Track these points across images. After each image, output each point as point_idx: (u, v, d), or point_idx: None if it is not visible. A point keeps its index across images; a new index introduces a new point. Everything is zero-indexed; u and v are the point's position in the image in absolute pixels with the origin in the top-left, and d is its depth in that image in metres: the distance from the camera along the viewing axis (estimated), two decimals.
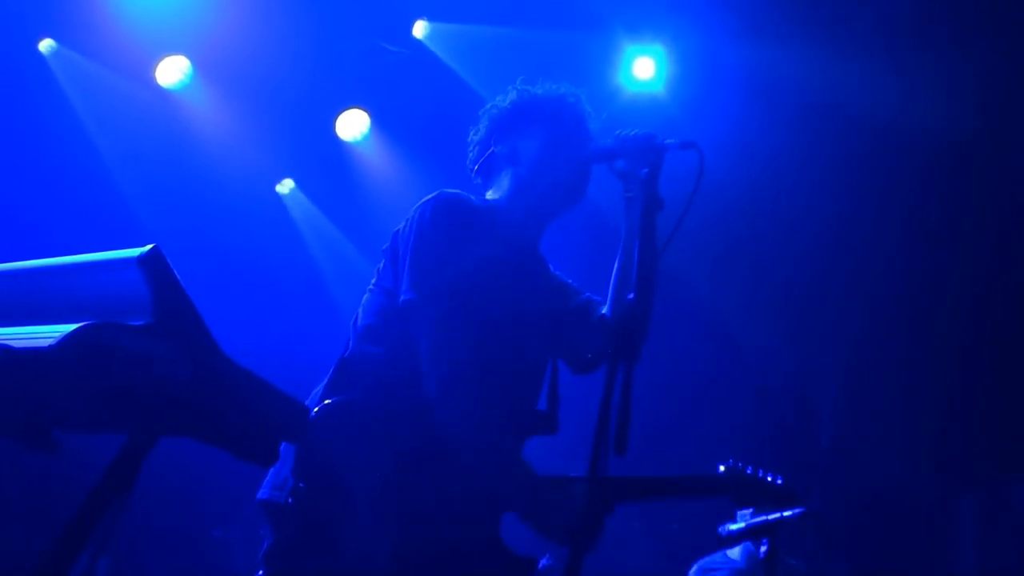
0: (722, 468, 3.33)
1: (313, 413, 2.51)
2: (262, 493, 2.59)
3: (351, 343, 2.73)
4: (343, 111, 7.23)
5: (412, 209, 2.77)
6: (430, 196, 2.79)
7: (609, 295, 2.92)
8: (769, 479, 3.36)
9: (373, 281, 2.82)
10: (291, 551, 2.51)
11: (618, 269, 2.91)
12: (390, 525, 2.44)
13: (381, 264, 2.81)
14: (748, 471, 3.34)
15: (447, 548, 2.52)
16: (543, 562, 6.04)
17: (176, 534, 7.20)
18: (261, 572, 2.61)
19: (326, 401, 2.54)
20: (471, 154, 3.08)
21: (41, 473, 5.29)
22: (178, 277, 1.65)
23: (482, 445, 2.57)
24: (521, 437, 2.74)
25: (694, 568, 5.65)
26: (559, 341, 2.92)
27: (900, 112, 6.35)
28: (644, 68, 6.62)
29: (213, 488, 6.79)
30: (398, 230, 2.79)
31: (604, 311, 2.92)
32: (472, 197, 2.89)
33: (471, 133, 3.09)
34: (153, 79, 6.66)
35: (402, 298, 2.63)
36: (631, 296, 2.47)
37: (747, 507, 3.50)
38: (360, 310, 2.80)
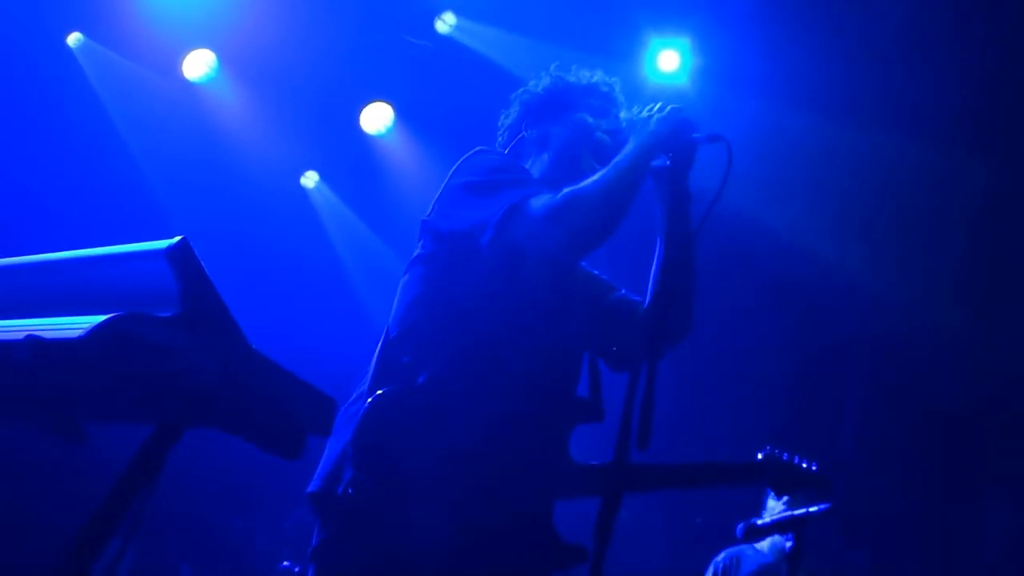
0: (760, 455, 3.33)
1: (367, 404, 2.51)
2: (313, 486, 2.57)
3: (393, 326, 2.70)
4: (367, 104, 7.24)
5: (456, 166, 2.78)
6: (474, 151, 2.81)
7: (650, 291, 2.87)
8: (805, 466, 3.36)
9: (409, 261, 2.81)
10: (348, 543, 2.49)
11: (659, 265, 2.85)
12: (448, 512, 2.43)
13: (418, 243, 2.80)
14: (785, 457, 3.34)
15: (501, 535, 2.52)
16: None
17: (199, 523, 7.24)
18: (294, 567, 2.61)
19: (378, 392, 2.53)
20: (500, 138, 3.08)
21: (68, 463, 5.33)
22: (205, 269, 1.66)
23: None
24: (561, 425, 2.72)
25: (720, 557, 5.63)
26: (594, 336, 2.90)
27: (927, 108, 6.32)
28: (669, 61, 6.60)
29: (235, 478, 6.83)
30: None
31: (646, 307, 2.87)
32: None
33: (502, 116, 3.09)
34: (179, 73, 6.70)
35: (493, 222, 2.55)
36: (654, 291, 2.47)
37: (783, 494, 3.49)
38: (399, 292, 2.77)
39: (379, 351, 2.68)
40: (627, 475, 2.27)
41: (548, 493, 2.65)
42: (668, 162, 2.72)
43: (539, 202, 2.55)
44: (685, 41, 6.55)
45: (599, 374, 2.88)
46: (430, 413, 2.50)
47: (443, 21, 6.69)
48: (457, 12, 6.67)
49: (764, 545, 5.55)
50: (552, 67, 3.06)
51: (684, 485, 3.08)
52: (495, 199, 2.59)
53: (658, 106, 2.80)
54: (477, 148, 2.83)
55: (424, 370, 2.55)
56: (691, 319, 2.85)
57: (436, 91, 7.02)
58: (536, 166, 2.95)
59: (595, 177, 2.62)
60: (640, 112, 2.82)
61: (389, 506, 2.43)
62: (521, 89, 3.08)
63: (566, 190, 2.58)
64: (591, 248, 2.67)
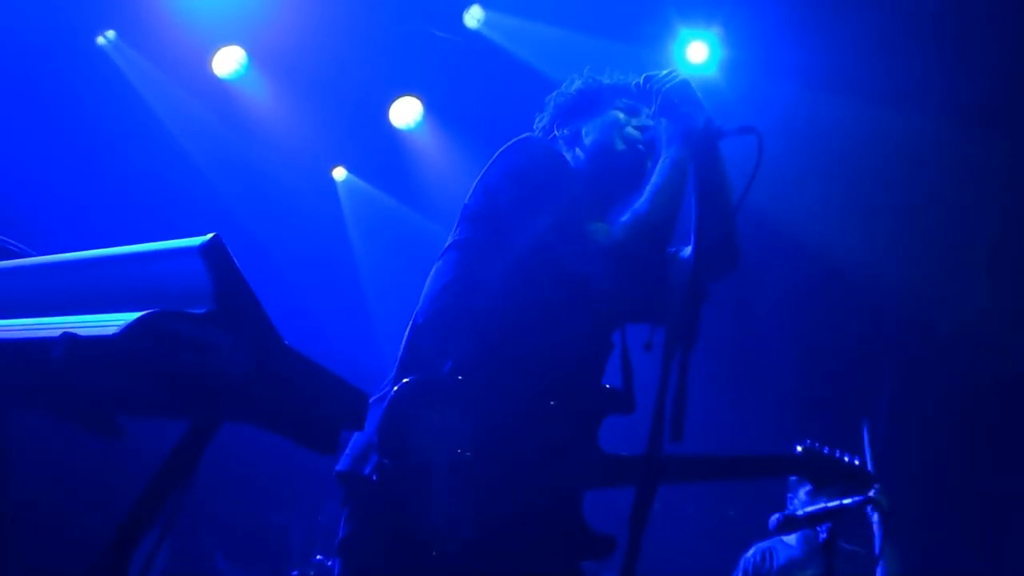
0: (799, 448, 3.32)
1: (394, 391, 2.52)
2: (342, 465, 2.60)
3: (421, 311, 2.72)
4: (396, 99, 7.25)
5: (498, 155, 2.81)
6: (517, 141, 2.83)
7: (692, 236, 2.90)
8: (847, 459, 3.35)
9: (444, 248, 2.83)
10: (372, 535, 2.51)
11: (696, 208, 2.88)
12: (471, 501, 2.45)
13: (453, 229, 2.83)
14: (825, 451, 3.34)
15: (526, 525, 2.53)
16: None
17: (235, 518, 7.29)
18: (328, 560, 2.63)
19: (404, 380, 2.54)
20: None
21: (105, 458, 5.38)
22: (238, 265, 1.67)
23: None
24: (589, 416, 2.73)
25: (750, 552, 5.62)
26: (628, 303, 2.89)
27: (959, 93, 6.25)
28: (698, 52, 6.57)
29: (272, 473, 6.87)
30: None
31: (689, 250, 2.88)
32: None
33: (536, 119, 3.15)
34: (209, 70, 6.73)
35: (535, 229, 2.64)
36: (688, 283, 2.45)
37: (823, 487, 3.48)
38: (431, 277, 2.80)
39: (407, 337, 2.69)
40: (662, 466, 2.27)
41: (575, 483, 2.66)
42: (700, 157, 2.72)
43: (593, 238, 2.64)
44: (714, 33, 6.52)
45: (631, 365, 2.88)
46: (455, 402, 2.52)
47: (471, 15, 6.68)
48: (485, 6, 6.66)
49: (791, 539, 5.52)
50: (585, 69, 3.12)
51: (720, 477, 3.06)
52: (541, 207, 2.64)
53: (664, 72, 2.83)
54: (520, 138, 2.86)
55: (450, 358, 2.57)
56: (737, 253, 2.86)
57: (465, 85, 7.02)
58: (571, 162, 2.98)
59: (638, 211, 2.68)
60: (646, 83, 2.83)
61: (413, 493, 2.44)
62: (555, 92, 3.13)
63: (618, 229, 2.66)
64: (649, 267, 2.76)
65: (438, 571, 2.44)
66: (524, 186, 2.72)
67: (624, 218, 2.68)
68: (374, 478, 2.46)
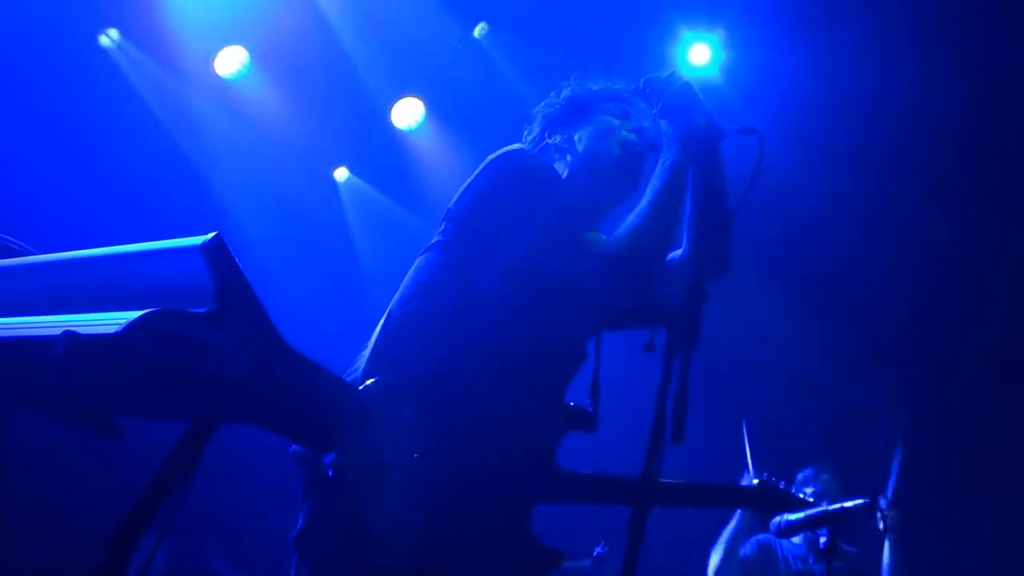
0: (756, 481, 3.36)
1: (360, 389, 2.50)
2: (297, 447, 2.57)
3: (396, 308, 2.70)
4: (398, 100, 7.25)
5: (486, 164, 2.78)
6: (506, 151, 2.79)
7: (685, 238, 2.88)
8: (800, 495, 3.39)
9: (426, 246, 2.81)
10: (326, 531, 2.51)
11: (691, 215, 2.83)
12: (424, 506, 2.43)
13: (438, 229, 2.80)
14: (781, 486, 3.37)
15: (475, 532, 2.52)
16: (597, 550, 6.03)
17: (234, 519, 7.29)
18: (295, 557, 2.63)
19: (369, 381, 2.51)
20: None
21: (104, 458, 5.38)
22: (240, 265, 1.67)
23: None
24: (551, 430, 2.72)
25: (749, 541, 5.61)
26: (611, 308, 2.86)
27: (969, 107, 6.27)
28: (700, 54, 6.57)
29: (271, 474, 6.86)
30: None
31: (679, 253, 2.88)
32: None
33: (525, 131, 3.11)
34: (212, 70, 6.74)
35: (525, 242, 2.60)
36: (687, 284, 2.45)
37: (772, 518, 3.54)
38: (410, 274, 2.77)
39: (378, 333, 2.67)
40: (659, 464, 2.26)
41: (529, 497, 2.65)
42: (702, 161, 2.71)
43: (589, 249, 2.61)
44: (716, 35, 6.52)
45: (599, 385, 2.86)
46: (418, 406, 2.49)
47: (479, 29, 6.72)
48: (489, 20, 6.68)
49: (796, 537, 5.52)
50: (572, 77, 3.09)
51: (686, 503, 3.10)
52: (531, 218, 2.61)
53: (666, 75, 2.81)
54: (510, 147, 2.81)
55: (419, 361, 2.55)
56: (730, 256, 2.84)
57: (467, 86, 7.02)
58: (562, 170, 2.95)
59: (639, 217, 2.65)
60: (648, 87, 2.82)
61: (367, 494, 2.43)
62: (542, 103, 3.10)
63: (617, 239, 2.63)
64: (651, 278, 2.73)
65: (389, 572, 2.43)
66: (511, 196, 2.68)
67: (623, 230, 2.65)
68: (329, 474, 2.45)
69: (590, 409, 2.80)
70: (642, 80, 2.86)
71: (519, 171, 2.77)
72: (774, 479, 3.41)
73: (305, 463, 2.57)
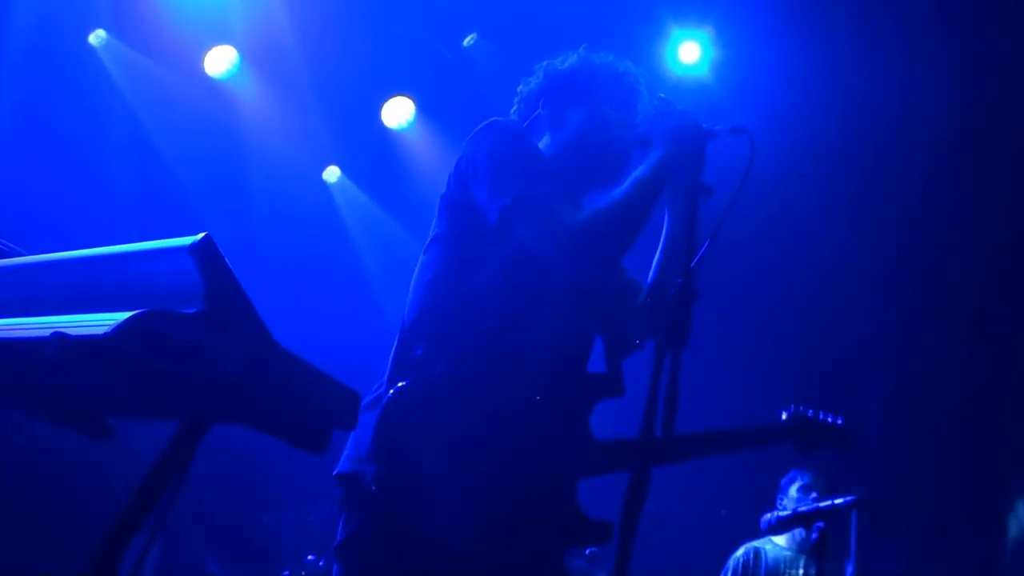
0: (784, 415, 3.32)
1: (387, 398, 2.51)
2: (342, 467, 2.58)
3: (409, 310, 2.70)
4: (389, 99, 7.25)
5: (468, 139, 2.76)
6: (487, 122, 2.77)
7: (650, 280, 2.86)
8: (830, 420, 3.35)
9: (427, 243, 2.79)
10: (372, 540, 2.50)
11: (661, 256, 2.85)
12: (469, 505, 2.44)
13: (433, 222, 2.79)
14: (810, 414, 3.33)
15: (524, 521, 2.53)
16: (588, 549, 6.03)
17: (226, 518, 7.28)
18: (319, 561, 2.62)
19: (398, 384, 2.52)
20: (516, 105, 3.05)
21: (95, 459, 5.37)
22: (229, 265, 1.67)
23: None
24: (579, 405, 2.71)
25: (739, 551, 5.62)
26: (602, 316, 2.86)
27: (957, 108, 6.29)
28: (690, 52, 6.58)
29: (263, 473, 6.86)
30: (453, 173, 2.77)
31: (643, 297, 2.86)
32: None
33: (522, 84, 3.06)
34: (201, 69, 6.72)
35: (498, 205, 2.57)
36: (679, 282, 2.45)
37: (810, 453, 3.46)
38: (416, 274, 2.76)
39: (397, 339, 2.67)
40: (652, 456, 2.26)
41: (569, 474, 2.64)
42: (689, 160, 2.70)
43: (556, 218, 2.56)
44: (706, 33, 6.53)
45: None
46: (445, 405, 2.50)
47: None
48: (478, 17, 6.67)
49: (781, 539, 5.53)
50: (582, 47, 3.02)
51: (708, 453, 3.05)
52: (505, 183, 2.59)
53: (681, 109, 2.78)
54: (491, 119, 2.79)
55: (438, 360, 2.55)
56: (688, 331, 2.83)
57: (458, 85, 7.02)
58: (547, 145, 2.91)
59: (614, 198, 2.62)
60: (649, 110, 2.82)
61: (412, 502, 2.44)
62: (547, 61, 3.04)
63: (586, 214, 2.59)
64: (612, 264, 2.73)
65: (437, 574, 2.43)
66: (494, 165, 2.65)
67: (596, 205, 2.62)
68: (372, 489, 2.45)
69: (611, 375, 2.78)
70: (658, 97, 2.84)
71: (504, 133, 2.76)
72: (802, 408, 3.38)
73: (343, 479, 2.57)
